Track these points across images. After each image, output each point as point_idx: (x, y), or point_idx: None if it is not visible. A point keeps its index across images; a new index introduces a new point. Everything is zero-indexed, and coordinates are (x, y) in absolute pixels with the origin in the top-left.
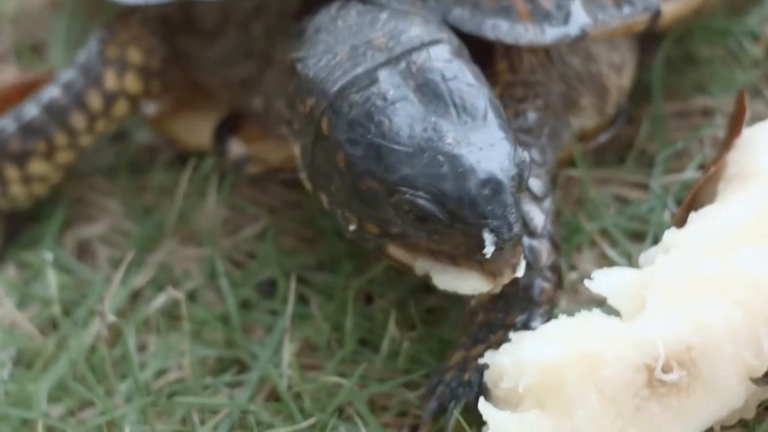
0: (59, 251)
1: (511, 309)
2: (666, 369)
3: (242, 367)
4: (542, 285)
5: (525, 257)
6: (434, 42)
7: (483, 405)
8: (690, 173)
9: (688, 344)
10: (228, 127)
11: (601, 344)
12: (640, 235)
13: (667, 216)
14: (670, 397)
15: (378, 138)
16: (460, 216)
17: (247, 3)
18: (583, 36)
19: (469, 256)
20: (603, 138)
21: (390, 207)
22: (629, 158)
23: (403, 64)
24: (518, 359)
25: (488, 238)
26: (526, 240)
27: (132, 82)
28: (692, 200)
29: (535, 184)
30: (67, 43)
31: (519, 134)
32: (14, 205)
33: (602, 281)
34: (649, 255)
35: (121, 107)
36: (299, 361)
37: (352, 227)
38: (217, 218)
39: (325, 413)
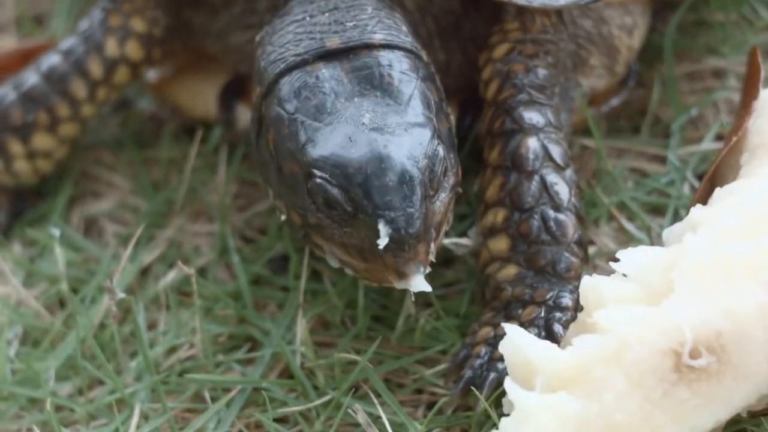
0: (66, 228)
1: (540, 285)
2: (694, 355)
3: (254, 345)
4: (570, 260)
5: (540, 233)
6: (387, 45)
7: (510, 385)
8: (708, 144)
9: (717, 330)
10: (233, 92)
11: (624, 327)
12: (660, 209)
13: (686, 189)
14: (699, 383)
15: (301, 114)
16: (360, 205)
17: None
18: (597, 0)
19: (372, 251)
20: (615, 101)
21: (306, 194)
22: (644, 126)
23: (345, 52)
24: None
25: (383, 229)
26: (551, 213)
27: (133, 49)
28: (714, 173)
29: (556, 150)
30: (69, 15)
31: (532, 92)
32: (19, 181)
33: (628, 261)
34: (674, 232)
35: (121, 74)
36: (312, 337)
37: (282, 217)
38: (227, 193)
39: (340, 390)
